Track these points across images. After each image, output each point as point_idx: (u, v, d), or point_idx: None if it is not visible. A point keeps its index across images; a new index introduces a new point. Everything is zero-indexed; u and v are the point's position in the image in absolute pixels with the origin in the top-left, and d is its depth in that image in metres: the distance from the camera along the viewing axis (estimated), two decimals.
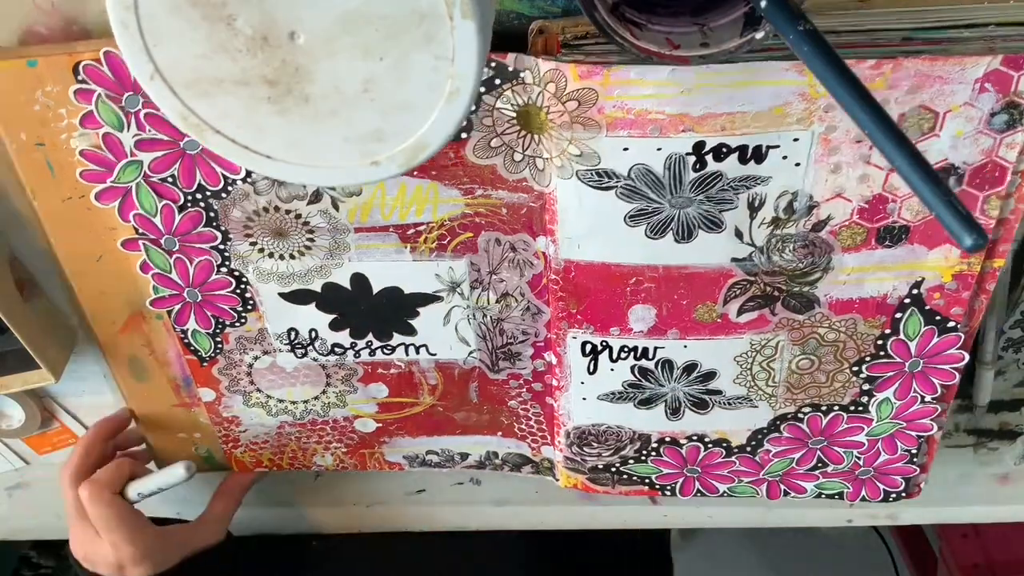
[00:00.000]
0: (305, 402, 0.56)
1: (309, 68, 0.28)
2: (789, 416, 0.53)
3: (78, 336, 0.54)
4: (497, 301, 0.49)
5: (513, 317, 0.50)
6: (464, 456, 0.59)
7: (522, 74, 0.39)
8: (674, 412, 0.53)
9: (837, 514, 0.64)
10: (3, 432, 0.59)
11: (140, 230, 0.47)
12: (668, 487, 0.58)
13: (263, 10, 0.27)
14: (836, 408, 0.52)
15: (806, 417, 0.53)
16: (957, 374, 0.50)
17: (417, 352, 0.52)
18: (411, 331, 0.51)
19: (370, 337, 0.51)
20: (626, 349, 0.49)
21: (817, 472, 0.56)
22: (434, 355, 0.52)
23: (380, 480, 0.64)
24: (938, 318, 0.47)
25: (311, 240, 0.46)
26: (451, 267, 0.47)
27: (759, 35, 0.32)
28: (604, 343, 0.49)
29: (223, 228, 0.46)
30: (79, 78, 0.41)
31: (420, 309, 0.50)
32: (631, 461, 0.57)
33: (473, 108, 0.41)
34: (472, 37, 0.27)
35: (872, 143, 0.27)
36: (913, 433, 0.53)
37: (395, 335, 0.51)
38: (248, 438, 0.58)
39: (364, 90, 0.29)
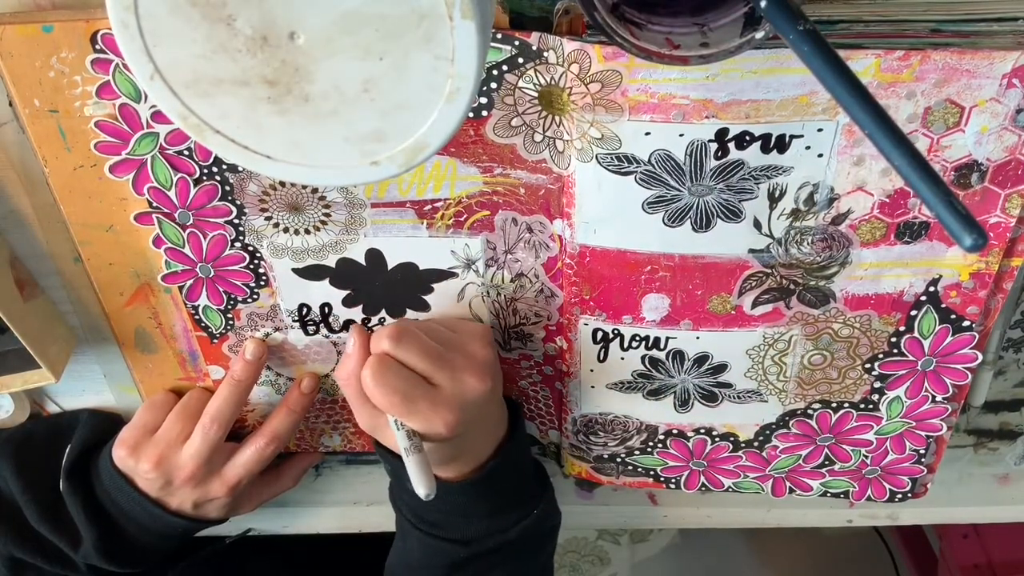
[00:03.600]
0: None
1: (309, 68, 0.28)
2: (798, 412, 0.53)
3: (78, 336, 0.54)
4: (511, 281, 0.49)
5: (527, 298, 0.49)
6: None
7: (546, 54, 0.39)
8: (683, 404, 0.53)
9: (837, 514, 0.64)
10: None
11: (154, 203, 0.46)
12: (673, 480, 0.58)
13: (263, 10, 0.27)
14: (846, 405, 0.52)
15: (815, 414, 0.53)
16: (969, 374, 0.49)
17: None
18: (425, 307, 0.50)
19: (383, 313, 0.51)
20: (638, 338, 0.49)
21: (824, 470, 0.56)
22: None
23: (380, 480, 0.64)
24: (953, 317, 0.47)
25: (327, 215, 0.46)
26: (467, 244, 0.47)
27: (759, 35, 0.32)
28: (616, 331, 0.49)
29: (238, 202, 0.46)
30: (97, 47, 0.41)
31: (435, 285, 0.49)
32: (637, 452, 0.57)
33: (495, 86, 0.40)
34: (472, 37, 0.27)
35: (872, 143, 0.27)
36: (922, 433, 0.53)
37: (408, 311, 0.51)
38: (256, 417, 0.58)
39: (364, 90, 0.29)
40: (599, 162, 0.41)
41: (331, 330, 0.52)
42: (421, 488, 0.43)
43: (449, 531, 0.51)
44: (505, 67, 0.39)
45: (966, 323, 0.47)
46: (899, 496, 0.57)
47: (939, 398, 0.51)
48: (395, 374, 0.44)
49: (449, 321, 0.50)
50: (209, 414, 0.53)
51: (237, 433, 0.56)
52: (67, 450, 0.56)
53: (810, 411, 0.53)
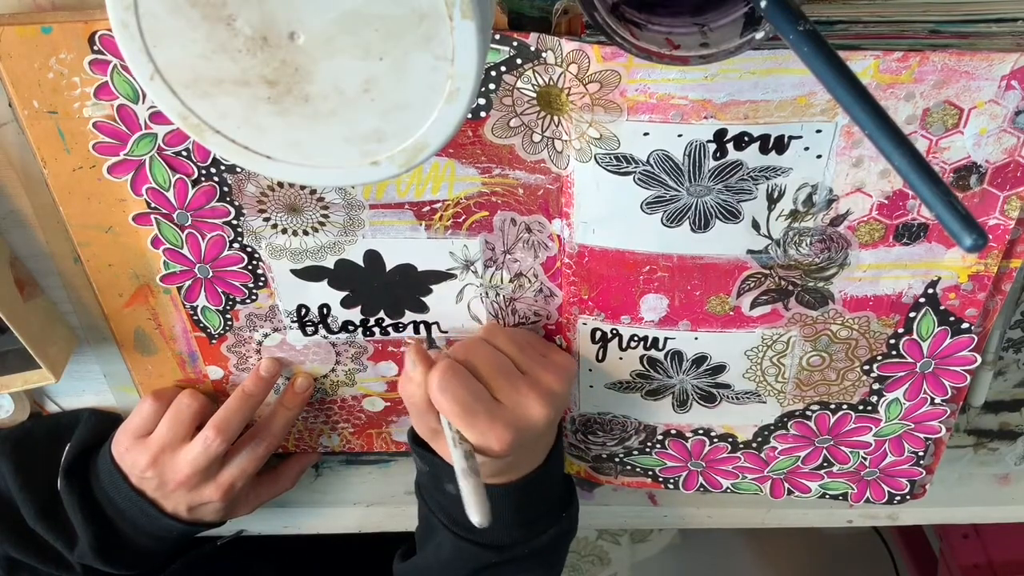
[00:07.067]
0: (314, 380, 0.55)
1: (309, 68, 0.28)
2: (797, 413, 0.53)
3: (78, 336, 0.54)
4: (510, 281, 0.49)
5: (526, 298, 0.49)
6: None
7: (544, 54, 0.39)
8: (681, 404, 0.53)
9: (837, 514, 0.64)
10: None
11: (152, 204, 0.46)
12: (671, 480, 0.58)
13: (263, 10, 0.27)
14: (845, 407, 0.52)
15: (814, 415, 0.53)
16: (968, 376, 0.49)
17: (428, 330, 0.52)
18: (423, 308, 0.50)
19: (381, 314, 0.51)
20: (636, 338, 0.49)
21: (822, 472, 0.56)
22: (446, 332, 0.52)
23: (380, 480, 0.64)
24: (952, 319, 0.47)
25: (325, 216, 0.46)
26: (466, 245, 0.47)
27: (759, 35, 0.32)
28: (614, 331, 0.49)
29: (237, 203, 0.46)
30: (95, 48, 0.41)
31: (433, 286, 0.49)
32: (635, 452, 0.57)
33: (493, 87, 0.40)
34: (472, 37, 0.27)
35: (872, 143, 0.27)
36: (921, 435, 0.53)
37: (407, 312, 0.51)
38: (253, 418, 0.58)
39: (364, 90, 0.29)
40: (598, 162, 0.41)
41: (329, 331, 0.52)
42: (476, 515, 0.42)
43: (484, 535, 0.51)
44: (503, 68, 0.39)
45: (965, 325, 0.47)
46: (897, 498, 0.57)
47: (938, 400, 0.51)
48: (461, 382, 0.44)
49: (544, 344, 0.50)
50: (214, 425, 0.52)
51: None
52: (66, 449, 0.56)
53: (809, 412, 0.53)
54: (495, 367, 0.46)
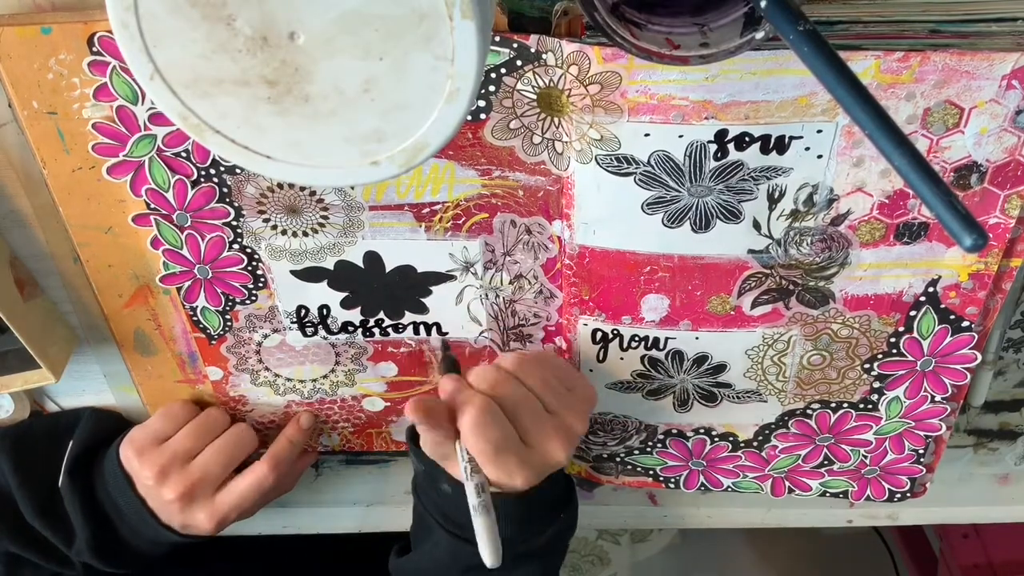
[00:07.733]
0: (314, 381, 0.55)
1: (309, 68, 0.28)
2: (798, 412, 0.53)
3: (78, 336, 0.54)
4: (510, 283, 0.49)
5: (526, 299, 0.49)
6: None
7: (544, 56, 0.39)
8: (682, 404, 0.53)
9: (837, 514, 0.64)
10: None
11: (152, 205, 0.46)
12: (672, 479, 0.58)
13: (263, 10, 0.27)
14: (845, 405, 0.52)
15: (815, 414, 0.53)
16: (968, 374, 0.49)
17: (428, 331, 0.52)
18: (423, 309, 0.50)
19: (381, 315, 0.51)
20: (637, 338, 0.49)
21: (823, 470, 0.56)
22: (445, 334, 0.52)
23: (380, 480, 0.64)
24: (952, 317, 0.47)
25: (325, 217, 0.46)
26: (465, 247, 0.47)
27: (759, 35, 0.32)
28: (615, 331, 0.49)
29: (236, 204, 0.46)
30: (94, 49, 0.40)
31: (433, 288, 0.49)
32: (636, 452, 0.57)
33: (493, 89, 0.40)
34: (472, 37, 0.27)
35: (872, 143, 0.27)
36: (921, 433, 0.53)
37: (406, 313, 0.51)
38: (254, 418, 0.58)
39: (364, 90, 0.29)
40: (598, 163, 0.41)
41: (329, 332, 0.52)
42: (488, 556, 0.41)
43: None
44: (503, 70, 0.39)
45: (965, 323, 0.47)
46: (898, 496, 0.57)
47: (938, 398, 0.51)
48: (495, 424, 0.44)
49: (567, 372, 0.49)
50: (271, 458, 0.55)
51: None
52: (69, 447, 0.56)
53: (809, 411, 0.53)
54: (527, 410, 0.45)
